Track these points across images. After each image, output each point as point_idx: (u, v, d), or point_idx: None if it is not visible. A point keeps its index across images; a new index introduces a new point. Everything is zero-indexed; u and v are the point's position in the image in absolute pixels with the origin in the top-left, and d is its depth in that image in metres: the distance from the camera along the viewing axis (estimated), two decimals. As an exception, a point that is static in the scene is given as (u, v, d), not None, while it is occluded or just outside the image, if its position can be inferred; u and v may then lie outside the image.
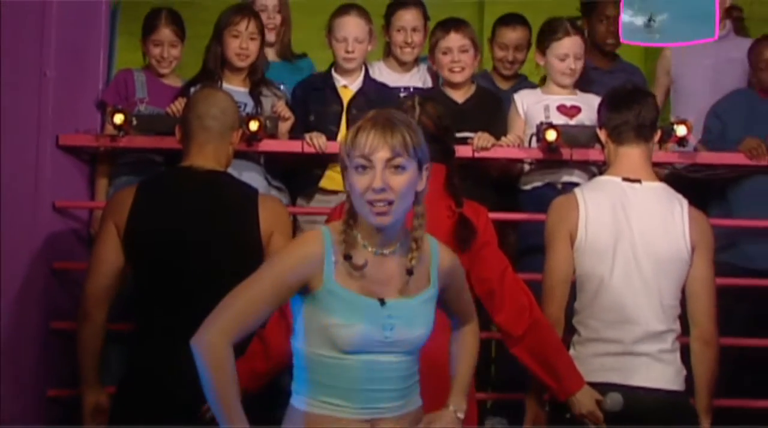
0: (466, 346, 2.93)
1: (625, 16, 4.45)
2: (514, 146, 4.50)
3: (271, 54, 4.96)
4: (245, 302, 2.61)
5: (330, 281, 2.59)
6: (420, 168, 2.60)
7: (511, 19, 5.02)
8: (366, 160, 2.53)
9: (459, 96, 4.65)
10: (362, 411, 2.61)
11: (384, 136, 2.53)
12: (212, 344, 2.57)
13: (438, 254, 2.72)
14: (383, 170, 2.53)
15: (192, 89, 4.43)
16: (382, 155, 2.53)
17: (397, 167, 2.54)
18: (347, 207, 2.63)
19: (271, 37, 4.91)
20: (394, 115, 2.62)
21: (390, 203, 2.54)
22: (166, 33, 4.65)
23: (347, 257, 2.59)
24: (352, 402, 2.60)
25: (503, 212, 4.38)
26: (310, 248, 2.62)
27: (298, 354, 2.66)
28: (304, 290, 2.60)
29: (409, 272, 2.63)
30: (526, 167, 4.61)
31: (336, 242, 2.60)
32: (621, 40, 4.60)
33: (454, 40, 4.63)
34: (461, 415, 2.83)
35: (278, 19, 4.94)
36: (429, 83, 4.86)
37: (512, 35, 4.97)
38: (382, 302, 2.60)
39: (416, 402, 2.71)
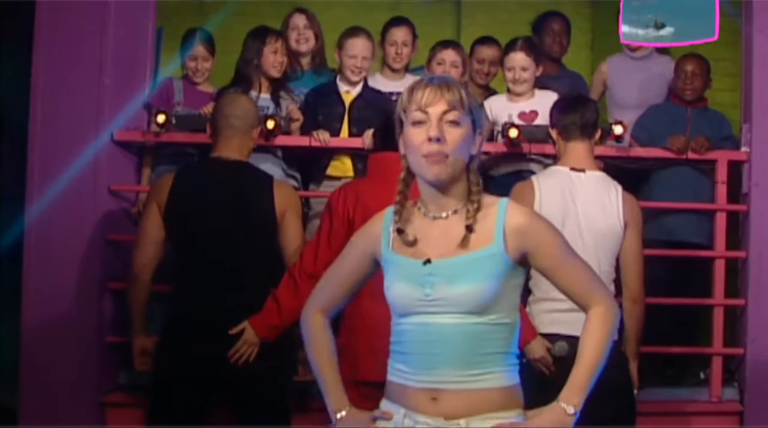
0: (587, 335, 2.24)
1: (625, 17, 4.21)
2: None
3: (305, 62, 4.88)
4: (332, 282, 2.40)
5: (387, 250, 2.27)
6: (474, 130, 2.21)
7: (487, 39, 4.99)
8: (422, 112, 2.17)
9: (444, 101, 4.60)
10: (421, 378, 2.17)
11: (441, 90, 2.17)
12: (306, 317, 2.40)
13: (506, 212, 2.21)
14: (439, 122, 2.16)
15: (224, 94, 4.38)
16: (438, 108, 2.16)
17: (452, 121, 2.16)
18: (403, 175, 2.27)
19: (303, 47, 4.83)
20: (449, 77, 2.30)
21: (445, 155, 2.15)
22: (200, 50, 4.62)
23: (399, 231, 2.24)
24: (411, 368, 2.19)
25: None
26: (372, 226, 2.33)
27: None
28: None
29: (469, 228, 2.18)
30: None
31: (396, 214, 2.26)
32: (622, 40, 4.38)
33: (449, 55, 4.61)
34: (571, 411, 2.18)
35: (309, 34, 4.84)
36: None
37: (488, 52, 4.93)
38: (427, 261, 2.19)
39: (495, 380, 2.16)
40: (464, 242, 2.19)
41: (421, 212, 2.26)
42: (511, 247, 2.20)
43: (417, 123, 2.19)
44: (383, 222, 2.31)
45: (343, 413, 2.31)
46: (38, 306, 4.13)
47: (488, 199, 2.25)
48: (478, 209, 2.20)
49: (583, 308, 2.28)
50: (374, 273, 2.36)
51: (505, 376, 2.20)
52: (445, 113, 2.17)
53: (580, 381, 2.21)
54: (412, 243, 2.23)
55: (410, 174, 2.27)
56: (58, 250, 4.14)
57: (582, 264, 2.29)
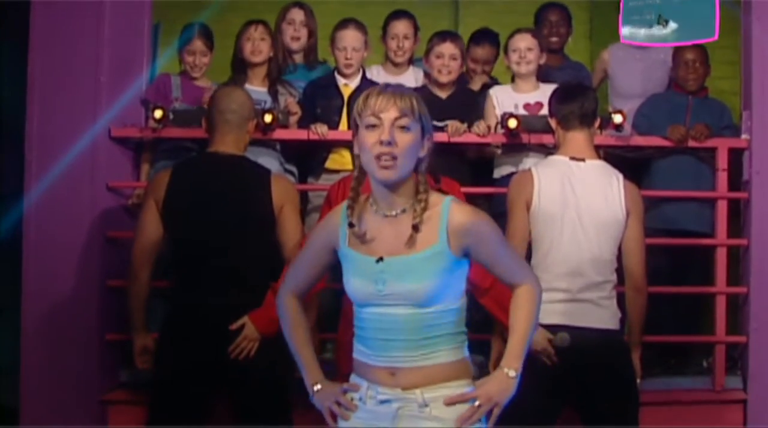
0: (516, 307, 2.52)
1: (625, 17, 4.17)
2: (483, 133, 4.41)
3: (298, 58, 4.85)
4: (299, 266, 2.63)
5: (343, 245, 2.49)
6: (423, 135, 2.42)
7: (479, 39, 4.96)
8: (376, 118, 2.36)
9: (443, 93, 4.57)
10: (380, 358, 2.44)
11: (393, 98, 2.38)
12: (280, 299, 2.63)
13: (448, 212, 2.43)
14: (391, 128, 2.36)
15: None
16: (390, 113, 2.36)
17: (403, 127, 2.37)
18: (355, 174, 2.47)
19: (296, 45, 4.80)
20: (402, 86, 2.48)
21: (394, 158, 2.36)
22: (198, 45, 4.59)
23: (350, 225, 2.45)
24: (371, 350, 2.46)
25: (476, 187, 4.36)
26: (331, 219, 2.53)
27: None
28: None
29: (415, 228, 2.39)
30: (498, 151, 4.52)
31: (348, 209, 2.47)
32: (622, 40, 4.31)
33: (448, 48, 4.55)
34: (513, 374, 2.45)
35: (303, 31, 4.80)
36: (420, 82, 4.76)
37: (481, 52, 4.92)
38: (379, 259, 2.42)
39: (442, 357, 2.43)
40: (411, 242, 2.41)
41: (373, 208, 2.47)
42: (453, 245, 2.42)
43: (370, 127, 2.38)
44: (340, 217, 2.51)
45: (319, 386, 2.56)
46: (38, 304, 4.10)
47: (435, 198, 2.46)
48: (424, 209, 2.41)
49: (512, 287, 2.54)
50: (335, 260, 2.56)
51: (453, 352, 2.45)
52: (396, 119, 2.37)
53: (517, 349, 2.48)
54: (362, 237, 2.45)
55: (362, 173, 2.46)
56: (57, 248, 4.12)
57: (513, 252, 2.59)
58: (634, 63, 4.96)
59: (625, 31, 4.19)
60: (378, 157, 2.36)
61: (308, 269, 2.60)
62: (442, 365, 2.43)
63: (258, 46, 4.53)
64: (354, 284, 2.46)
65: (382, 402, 2.44)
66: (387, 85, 2.43)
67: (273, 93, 4.56)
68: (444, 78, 4.55)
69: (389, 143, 2.35)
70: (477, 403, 2.42)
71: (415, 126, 2.39)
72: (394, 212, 2.43)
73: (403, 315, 2.41)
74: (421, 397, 2.42)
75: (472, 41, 4.94)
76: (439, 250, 2.41)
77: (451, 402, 2.41)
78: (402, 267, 2.40)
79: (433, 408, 2.41)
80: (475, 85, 4.90)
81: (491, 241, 2.48)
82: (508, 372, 2.45)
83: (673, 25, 4.11)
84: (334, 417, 2.53)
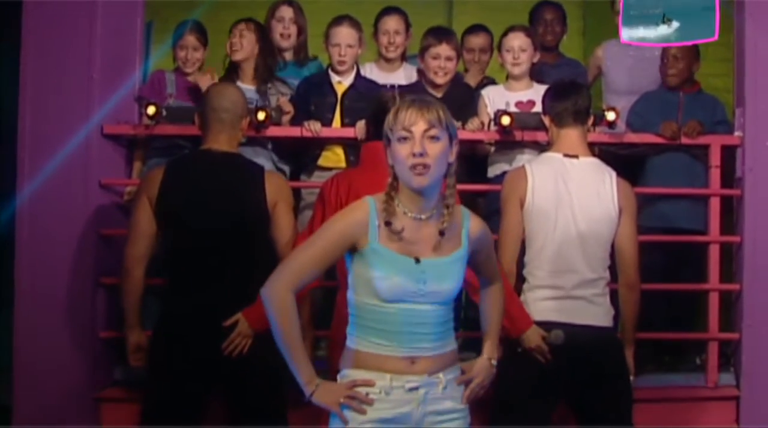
0: (493, 302, 2.88)
1: (625, 17, 4.16)
2: (476, 129, 4.41)
3: (288, 55, 4.85)
4: (304, 259, 2.60)
5: (374, 241, 2.57)
6: (451, 142, 2.58)
7: (474, 28, 4.97)
8: (407, 131, 2.53)
9: (438, 92, 4.56)
10: (403, 349, 2.58)
11: (421, 111, 2.54)
12: (276, 293, 2.57)
13: (469, 222, 2.68)
14: (421, 139, 2.52)
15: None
16: (420, 126, 2.53)
17: (432, 137, 2.53)
18: (390, 181, 2.60)
19: (286, 42, 4.80)
20: (428, 98, 2.64)
21: (426, 166, 2.52)
22: (190, 40, 4.59)
23: (387, 223, 2.56)
24: (394, 342, 2.57)
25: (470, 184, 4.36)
26: (358, 214, 2.59)
27: (351, 303, 2.64)
28: (353, 249, 2.59)
29: (441, 233, 2.59)
30: (491, 149, 4.52)
31: (380, 209, 2.58)
32: (622, 40, 4.28)
33: (444, 49, 4.55)
34: (494, 362, 2.80)
35: (293, 28, 4.80)
36: (413, 79, 4.76)
37: (476, 40, 4.92)
38: (417, 260, 2.57)
39: (451, 345, 2.68)
40: (442, 246, 2.61)
41: (400, 209, 2.59)
42: (470, 250, 2.68)
43: (402, 139, 2.55)
44: (369, 213, 2.58)
45: (318, 383, 2.57)
46: (31, 303, 4.09)
47: (456, 206, 2.66)
48: (452, 212, 2.61)
49: (485, 283, 2.87)
50: (341, 257, 2.63)
51: (453, 342, 2.70)
52: (426, 130, 2.54)
53: (495, 340, 2.86)
54: (400, 233, 2.57)
55: (396, 179, 2.60)
56: (50, 246, 4.11)
57: (495, 257, 2.89)
58: (628, 60, 4.96)
59: (624, 30, 4.18)
60: (412, 167, 2.52)
61: (317, 263, 2.59)
62: (451, 351, 2.67)
63: (235, 44, 4.52)
64: (393, 282, 2.55)
65: (411, 389, 2.58)
66: (414, 99, 2.58)
67: (262, 91, 4.54)
68: (440, 79, 4.56)
69: (421, 155, 2.51)
70: (474, 384, 2.71)
71: (444, 135, 2.56)
72: (423, 216, 2.59)
73: (431, 311, 2.59)
74: (444, 380, 2.62)
75: (466, 32, 4.95)
76: (463, 254, 2.65)
77: (461, 382, 2.67)
78: (440, 269, 2.59)
79: (450, 388, 2.65)
80: (471, 80, 4.90)
81: (489, 248, 2.79)
82: (492, 361, 2.80)
83: (675, 24, 4.10)
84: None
